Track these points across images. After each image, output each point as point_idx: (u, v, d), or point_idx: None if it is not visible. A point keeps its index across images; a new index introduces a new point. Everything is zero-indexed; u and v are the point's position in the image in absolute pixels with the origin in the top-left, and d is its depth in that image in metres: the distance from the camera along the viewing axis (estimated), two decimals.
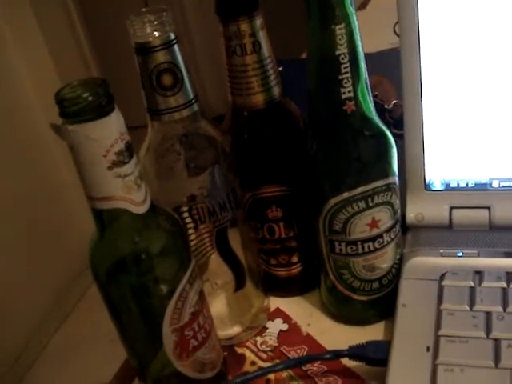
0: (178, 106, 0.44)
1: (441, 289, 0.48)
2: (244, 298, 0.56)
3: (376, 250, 0.49)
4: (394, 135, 0.63)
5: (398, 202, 0.49)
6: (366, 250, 0.48)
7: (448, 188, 0.54)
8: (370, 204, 0.46)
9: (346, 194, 0.46)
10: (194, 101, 0.45)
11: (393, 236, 0.49)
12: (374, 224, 0.47)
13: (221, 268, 0.53)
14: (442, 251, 0.51)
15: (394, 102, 0.76)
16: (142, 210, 0.41)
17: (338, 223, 0.47)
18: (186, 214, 0.48)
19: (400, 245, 0.51)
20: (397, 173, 0.48)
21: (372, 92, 0.79)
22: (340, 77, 0.42)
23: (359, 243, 0.48)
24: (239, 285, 0.52)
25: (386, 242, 0.49)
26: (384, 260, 0.50)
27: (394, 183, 0.47)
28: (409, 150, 0.54)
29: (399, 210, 0.50)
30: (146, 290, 0.43)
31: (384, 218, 0.48)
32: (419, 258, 0.51)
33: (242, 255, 0.54)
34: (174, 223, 0.44)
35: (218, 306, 0.55)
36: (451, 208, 0.53)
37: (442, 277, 0.49)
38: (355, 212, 0.46)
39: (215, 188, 0.47)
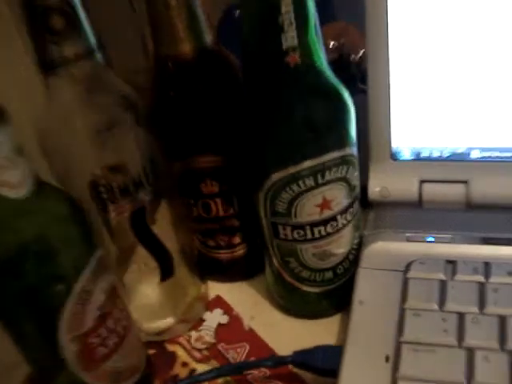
0: (74, 56, 0.35)
1: (405, 282, 0.40)
2: (177, 285, 0.47)
3: (328, 234, 0.40)
4: (362, 91, 0.54)
5: (356, 176, 0.40)
6: (317, 235, 0.40)
7: (418, 158, 0.45)
8: (320, 181, 0.37)
9: (290, 169, 0.37)
10: (95, 50, 0.35)
11: (349, 218, 0.40)
12: (325, 205, 0.38)
13: None
14: (408, 235, 0.43)
15: (362, 51, 0.66)
16: (22, 192, 0.32)
17: (281, 203, 0.38)
18: (94, 193, 0.38)
19: (359, 226, 0.43)
20: (355, 142, 0.39)
21: (337, 41, 0.69)
22: (280, 19, 0.32)
23: (307, 227, 0.39)
24: (165, 274, 0.43)
25: (340, 226, 0.40)
26: (338, 246, 0.41)
27: (351, 154, 0.38)
28: (373, 111, 0.44)
29: (358, 187, 0.41)
30: (33, 291, 0.34)
31: (338, 197, 0.39)
32: (381, 243, 0.43)
33: (173, 235, 0.45)
34: (69, 206, 0.35)
35: (148, 292, 0.47)
36: (421, 182, 0.44)
37: (408, 267, 0.41)
38: (302, 191, 0.37)
39: (125, 160, 0.38)
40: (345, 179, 0.38)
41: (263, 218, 0.41)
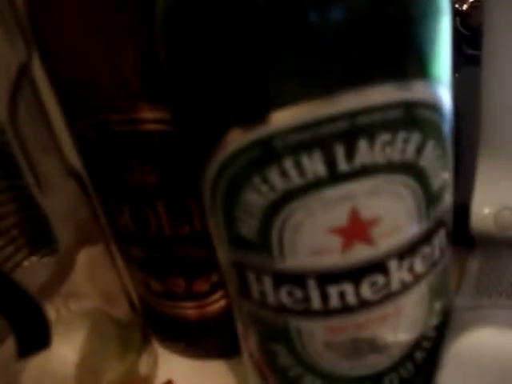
0: None
1: None
2: (93, 358, 0.26)
3: (364, 304, 0.16)
4: (469, 58, 0.35)
5: (444, 167, 0.16)
6: (336, 303, 0.16)
7: None
8: (344, 166, 0.14)
9: (265, 126, 0.13)
10: None
11: (420, 269, 0.17)
12: (357, 229, 0.15)
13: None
14: None
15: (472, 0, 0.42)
16: None
17: (247, 216, 0.15)
18: None
19: (443, 289, 0.19)
20: (446, 82, 0.16)
21: None
22: None
23: (312, 283, 0.16)
24: (26, 345, 0.21)
25: (396, 286, 0.16)
26: (388, 330, 0.17)
27: (435, 105, 0.15)
28: (490, 83, 0.23)
29: (447, 198, 0.17)
30: None
31: (392, 213, 0.15)
32: (493, 333, 0.19)
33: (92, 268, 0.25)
34: None
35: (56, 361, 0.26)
36: None
37: None
38: (296, 187, 0.14)
39: None
40: (411, 168, 0.15)
41: (219, 254, 0.18)
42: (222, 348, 0.27)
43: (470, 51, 0.40)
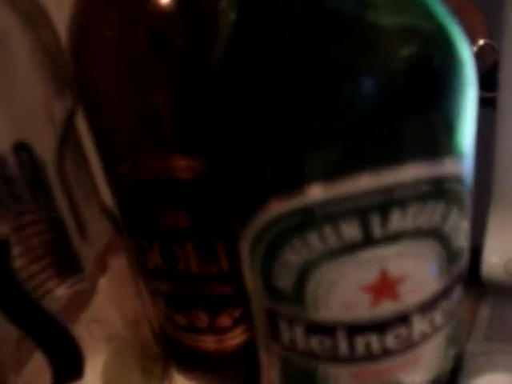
0: None
1: None
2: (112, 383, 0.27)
3: (388, 353, 0.18)
4: (479, 100, 0.36)
5: (463, 229, 0.18)
6: (362, 351, 0.18)
7: None
8: (378, 232, 0.15)
9: (304, 196, 0.15)
10: None
11: (440, 321, 0.18)
12: (385, 288, 0.16)
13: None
14: None
15: (483, 42, 0.43)
16: None
17: (284, 273, 0.17)
18: None
19: (458, 336, 0.20)
20: (470, 153, 0.17)
21: None
22: None
23: (341, 333, 0.17)
24: (62, 376, 0.23)
25: (417, 337, 0.18)
26: (407, 375, 0.19)
27: (458, 178, 0.16)
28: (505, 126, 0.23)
29: (464, 254, 0.19)
30: None
31: (417, 272, 0.17)
32: (501, 377, 0.20)
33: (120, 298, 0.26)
34: None
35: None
36: None
37: None
38: (331, 251, 0.16)
39: None
40: (437, 234, 0.16)
41: (252, 298, 0.19)
42: (240, 378, 0.29)
43: (482, 92, 0.41)
